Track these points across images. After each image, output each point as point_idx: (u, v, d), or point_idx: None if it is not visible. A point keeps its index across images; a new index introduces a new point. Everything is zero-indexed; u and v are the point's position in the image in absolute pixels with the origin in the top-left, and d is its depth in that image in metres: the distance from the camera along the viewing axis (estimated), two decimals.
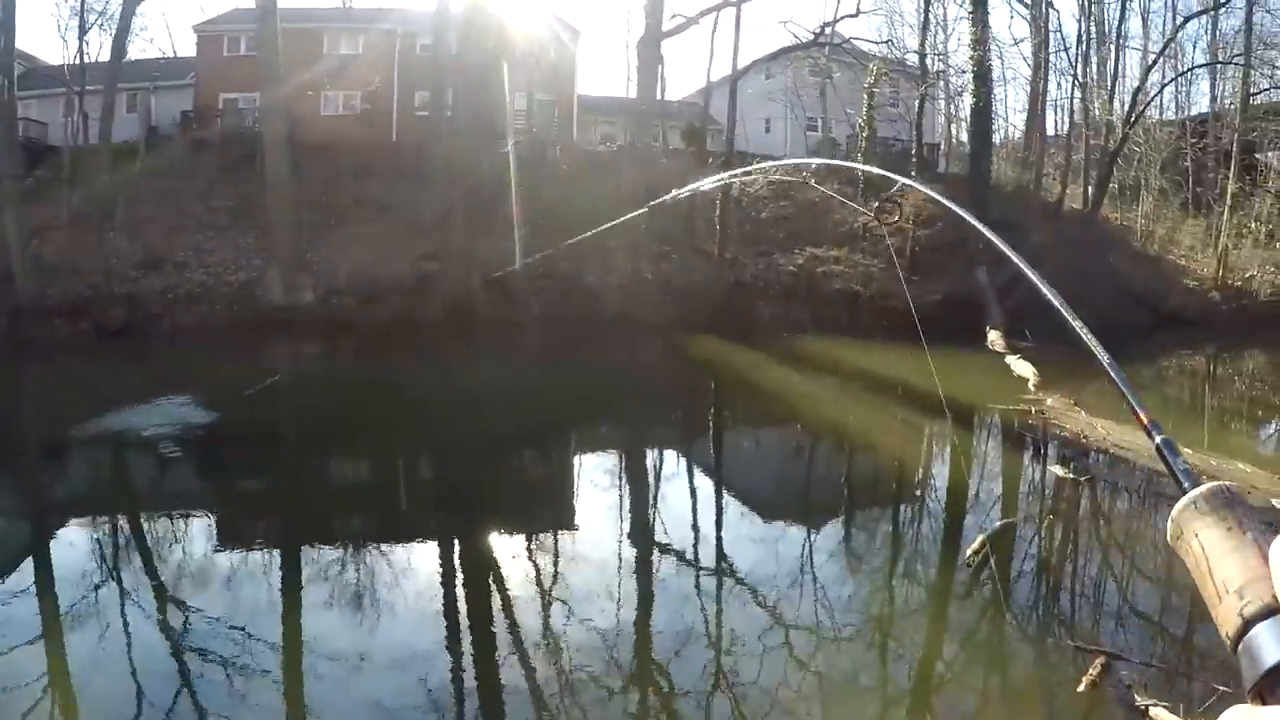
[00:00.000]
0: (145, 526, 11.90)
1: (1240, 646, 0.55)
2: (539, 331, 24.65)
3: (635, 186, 32.08)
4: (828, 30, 35.88)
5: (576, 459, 14.82)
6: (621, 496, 12.20)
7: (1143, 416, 0.90)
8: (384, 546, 10.46)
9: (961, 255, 29.03)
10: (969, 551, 8.64)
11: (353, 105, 39.72)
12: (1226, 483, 0.65)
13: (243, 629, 7.83)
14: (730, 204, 30.74)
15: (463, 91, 27.87)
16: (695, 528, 10.36)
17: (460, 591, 8.94)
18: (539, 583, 9.04)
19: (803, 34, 35.90)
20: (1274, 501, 9.59)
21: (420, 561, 10.10)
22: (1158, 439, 0.84)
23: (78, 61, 35.04)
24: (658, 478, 13.21)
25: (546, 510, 11.86)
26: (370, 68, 36.97)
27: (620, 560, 9.23)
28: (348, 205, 33.85)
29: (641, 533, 10.40)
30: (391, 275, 27.98)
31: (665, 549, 9.71)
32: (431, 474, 14.74)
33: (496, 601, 8.71)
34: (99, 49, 43.09)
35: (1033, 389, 17.31)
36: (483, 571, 9.65)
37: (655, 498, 12.09)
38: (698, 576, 8.76)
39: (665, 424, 16.73)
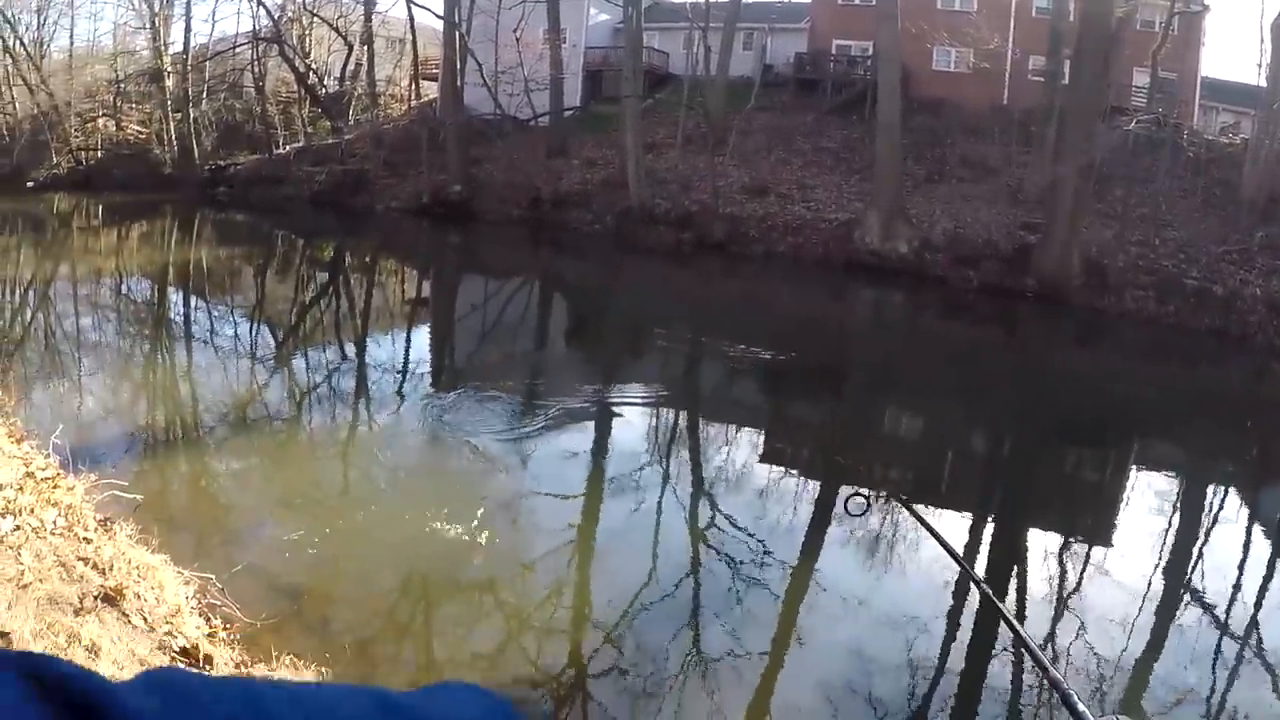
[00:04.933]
0: (698, 425, 12.94)
1: None
2: (1128, 328, 22.91)
3: (1256, 188, 28.62)
4: None
5: (1132, 472, 13.86)
6: (1167, 525, 11.32)
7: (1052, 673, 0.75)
8: (915, 505, 10.38)
9: None
10: None
11: (965, 63, 38.94)
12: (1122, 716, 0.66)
13: (761, 542, 8.28)
14: None
15: (1082, 61, 26.07)
16: (1236, 585, 9.34)
17: (976, 570, 8.64)
18: (1058, 588, 8.91)
19: None
20: None
21: (947, 531, 9.88)
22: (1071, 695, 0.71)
23: (701, 1, 37.60)
24: (1211, 516, 12.00)
25: (1086, 516, 11.40)
26: (985, 26, 35.87)
27: (1147, 592, 8.74)
28: (952, 163, 33.89)
29: (1176, 570, 9.75)
30: (988, 239, 27.60)
31: (1197, 596, 9.01)
32: (983, 447, 14.69)
33: (1009, 591, 8.42)
34: None
35: None
36: (1005, 558, 9.44)
37: (1201, 536, 11.10)
38: (1220, 636, 7.97)
39: (1235, 461, 14.87)
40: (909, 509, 4.05)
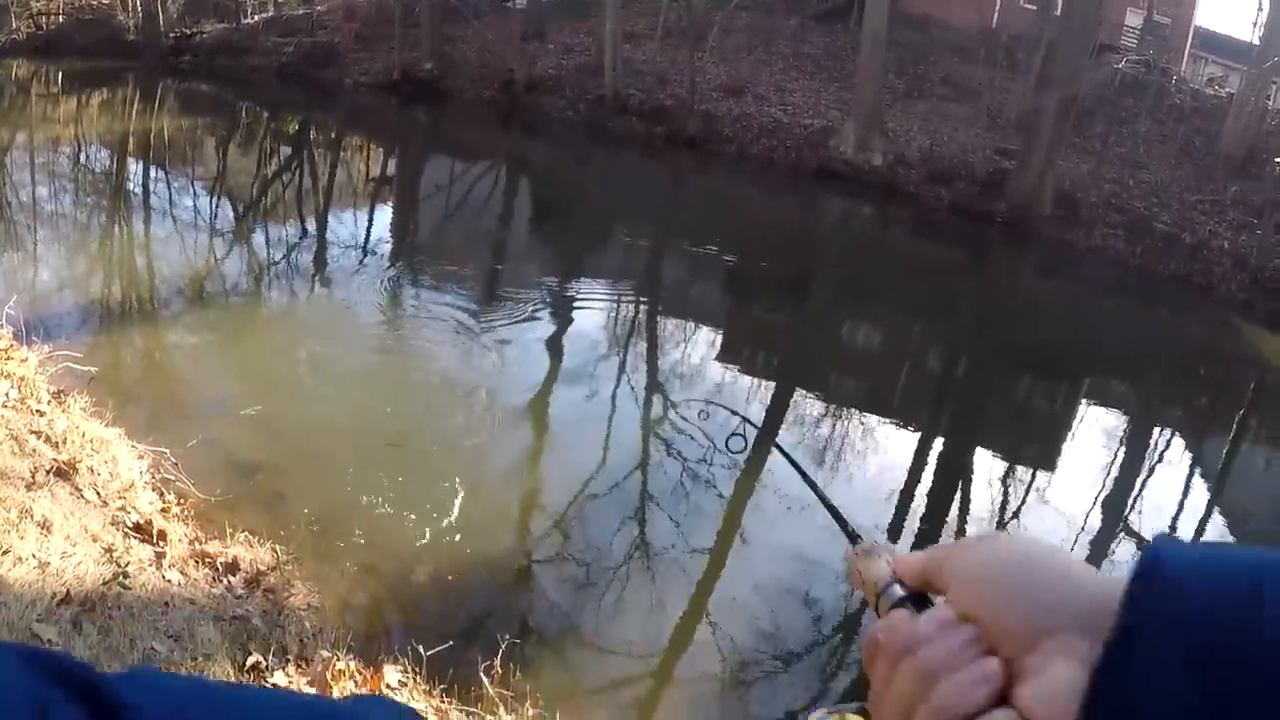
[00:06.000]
0: (658, 322, 13.04)
1: (879, 606, 0.79)
2: (1094, 264, 23.01)
3: (1236, 143, 28.59)
4: None
5: (1082, 405, 14.07)
6: (1110, 462, 11.49)
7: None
8: (864, 415, 10.75)
9: None
10: None
11: None
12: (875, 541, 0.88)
13: (711, 440, 8.43)
14: None
15: None
16: (1170, 527, 9.66)
17: (920, 488, 8.95)
18: (1000, 509, 9.08)
19: None
20: None
21: (892, 444, 10.18)
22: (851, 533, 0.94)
23: None
24: (1153, 458, 12.22)
25: (1032, 443, 11.68)
26: None
27: (1084, 524, 9.03)
28: (934, 81, 33.69)
29: (1113, 506, 9.93)
30: (963, 160, 27.37)
31: (1130, 532, 9.27)
32: (937, 366, 14.82)
33: (951, 510, 8.62)
34: None
35: None
36: (950, 475, 9.60)
37: (1140, 477, 11.34)
38: None
39: (1184, 407, 15.09)
40: (784, 455, 4.08)
